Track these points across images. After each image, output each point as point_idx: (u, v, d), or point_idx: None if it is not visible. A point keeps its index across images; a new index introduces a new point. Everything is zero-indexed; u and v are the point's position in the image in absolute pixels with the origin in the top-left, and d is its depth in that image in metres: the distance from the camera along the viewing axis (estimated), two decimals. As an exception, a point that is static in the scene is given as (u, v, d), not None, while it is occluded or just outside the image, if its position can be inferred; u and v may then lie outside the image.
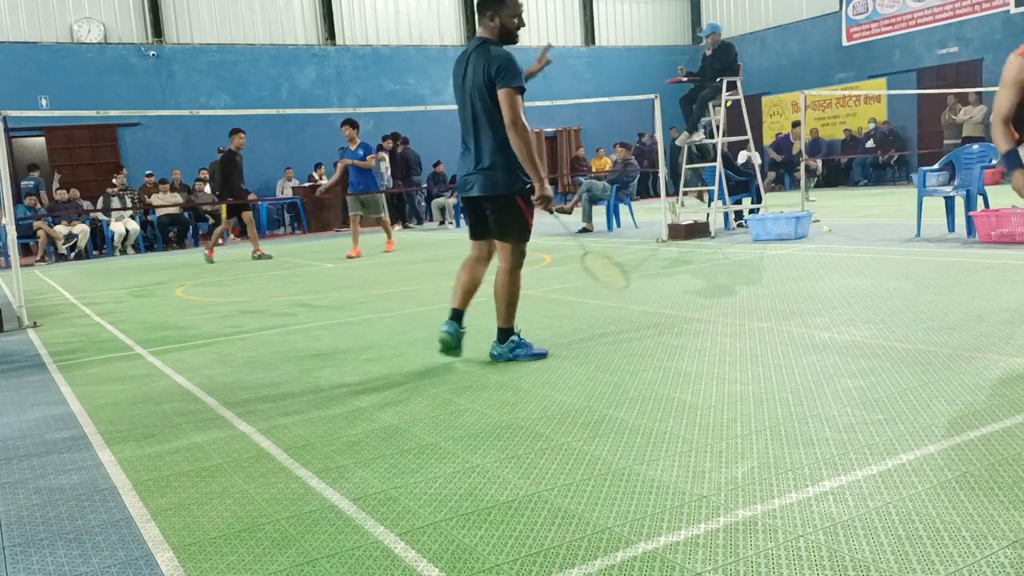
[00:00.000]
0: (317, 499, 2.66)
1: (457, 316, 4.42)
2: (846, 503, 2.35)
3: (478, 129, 4.24)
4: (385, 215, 12.33)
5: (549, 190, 4.26)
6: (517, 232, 4.35)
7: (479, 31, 4.32)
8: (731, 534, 2.21)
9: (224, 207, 13.19)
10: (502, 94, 4.10)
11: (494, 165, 4.22)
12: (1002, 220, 7.74)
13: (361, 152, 11.84)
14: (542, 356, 4.47)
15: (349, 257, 11.54)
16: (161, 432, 3.56)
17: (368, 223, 13.00)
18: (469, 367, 4.38)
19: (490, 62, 4.12)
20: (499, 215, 4.31)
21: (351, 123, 11.84)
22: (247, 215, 13.11)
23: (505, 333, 4.46)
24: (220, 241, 13.31)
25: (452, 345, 4.38)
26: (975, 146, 9.02)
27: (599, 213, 13.89)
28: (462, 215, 18.01)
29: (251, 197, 14.55)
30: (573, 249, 10.46)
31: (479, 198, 4.31)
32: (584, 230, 12.85)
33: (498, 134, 4.19)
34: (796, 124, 20.58)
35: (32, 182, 16.20)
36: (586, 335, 4.95)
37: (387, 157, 18.20)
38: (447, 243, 13.23)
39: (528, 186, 4.25)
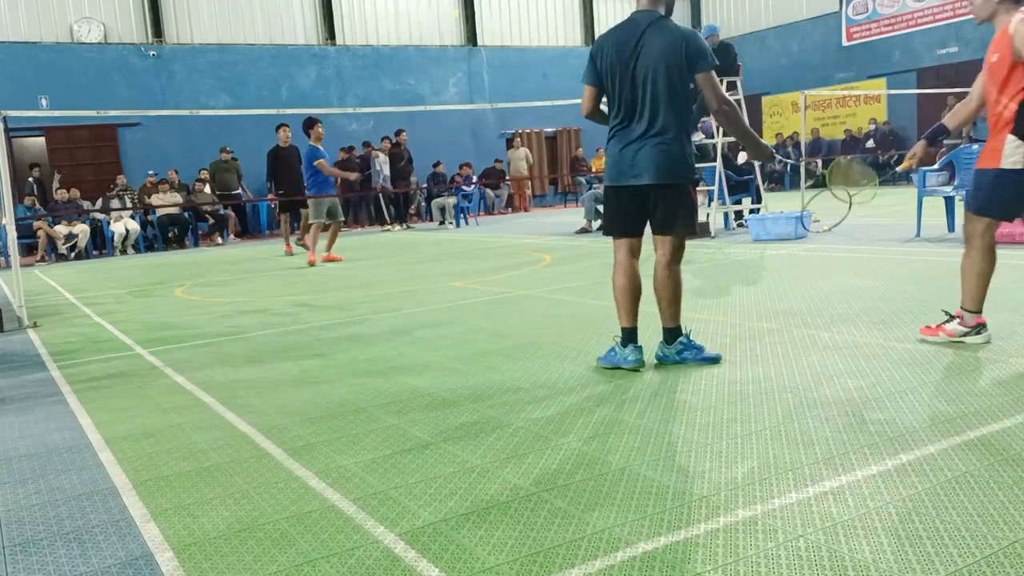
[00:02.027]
0: (317, 499, 2.66)
1: (634, 336, 4.07)
2: (846, 503, 2.35)
3: (657, 111, 3.86)
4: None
5: (767, 147, 4.18)
6: (689, 222, 4.02)
7: (644, 3, 3.95)
8: (731, 534, 2.21)
9: (278, 204, 13.27)
10: (706, 76, 3.85)
11: (677, 151, 3.90)
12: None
13: (326, 153, 11.33)
14: (714, 361, 4.06)
15: (333, 259, 11.10)
16: (161, 432, 3.56)
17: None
18: (468, 366, 4.38)
19: (685, 41, 3.82)
20: (673, 204, 3.96)
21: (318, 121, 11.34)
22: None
23: (673, 333, 4.10)
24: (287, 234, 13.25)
25: (643, 365, 4.07)
26: (975, 146, 9.01)
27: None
28: (461, 215, 18.03)
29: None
30: (572, 249, 10.47)
31: (650, 186, 3.92)
32: (583, 230, 12.86)
33: (682, 118, 3.89)
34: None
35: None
36: (586, 335, 4.94)
37: (380, 155, 18.23)
38: (447, 243, 13.23)
39: (698, 176, 3.98)
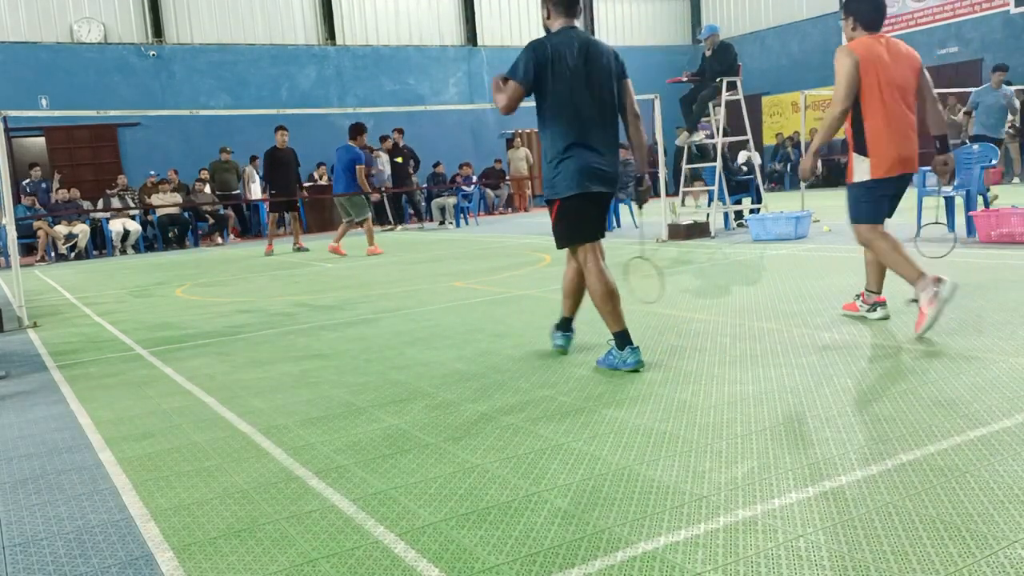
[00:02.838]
0: (317, 499, 2.66)
1: (628, 338, 4.06)
2: (846, 503, 2.35)
3: (610, 121, 4.12)
4: (369, 218, 12.16)
5: (648, 185, 4.55)
6: None
7: (563, 23, 4.09)
8: (731, 534, 2.21)
9: (270, 204, 13.92)
10: (628, 84, 4.17)
11: (617, 158, 4.23)
12: (1002, 220, 7.74)
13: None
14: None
15: (338, 253, 11.74)
16: (161, 432, 3.56)
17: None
18: (468, 366, 4.38)
19: (616, 55, 4.15)
20: (609, 209, 4.30)
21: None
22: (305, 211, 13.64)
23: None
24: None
25: (643, 366, 4.06)
26: (975, 146, 9.01)
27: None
28: (461, 215, 18.01)
29: (303, 194, 15.73)
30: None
31: (608, 193, 4.16)
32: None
33: (616, 127, 4.18)
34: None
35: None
36: (586, 335, 4.95)
37: (383, 155, 18.21)
38: (447, 243, 13.23)
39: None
